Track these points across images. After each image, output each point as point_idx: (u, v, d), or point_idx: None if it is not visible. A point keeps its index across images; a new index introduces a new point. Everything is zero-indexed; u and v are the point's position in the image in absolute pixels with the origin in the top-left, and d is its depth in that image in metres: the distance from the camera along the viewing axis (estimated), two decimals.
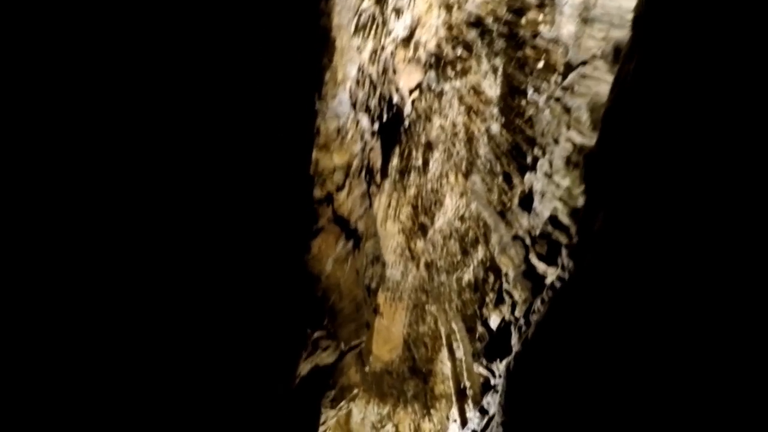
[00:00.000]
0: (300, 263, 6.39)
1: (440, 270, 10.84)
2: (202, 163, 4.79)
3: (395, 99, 7.42)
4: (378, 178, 8.14)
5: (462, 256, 10.49)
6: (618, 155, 4.20)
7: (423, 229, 10.44)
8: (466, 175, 9.64)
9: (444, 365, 11.88)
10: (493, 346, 8.43)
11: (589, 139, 5.49)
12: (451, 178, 9.78)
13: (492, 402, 7.73)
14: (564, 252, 5.91)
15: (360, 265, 7.28)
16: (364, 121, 6.74)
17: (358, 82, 6.97)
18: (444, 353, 11.64)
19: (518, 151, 8.85)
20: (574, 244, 5.81)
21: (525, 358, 5.94)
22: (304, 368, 7.07)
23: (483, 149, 9.41)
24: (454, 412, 9.73)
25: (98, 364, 3.28)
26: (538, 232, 7.26)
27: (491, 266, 9.99)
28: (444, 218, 10.25)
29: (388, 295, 11.09)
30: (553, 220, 6.92)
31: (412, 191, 10.09)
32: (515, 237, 7.60)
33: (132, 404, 3.78)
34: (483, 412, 7.94)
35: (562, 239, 6.79)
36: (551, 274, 6.85)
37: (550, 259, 6.99)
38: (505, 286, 8.02)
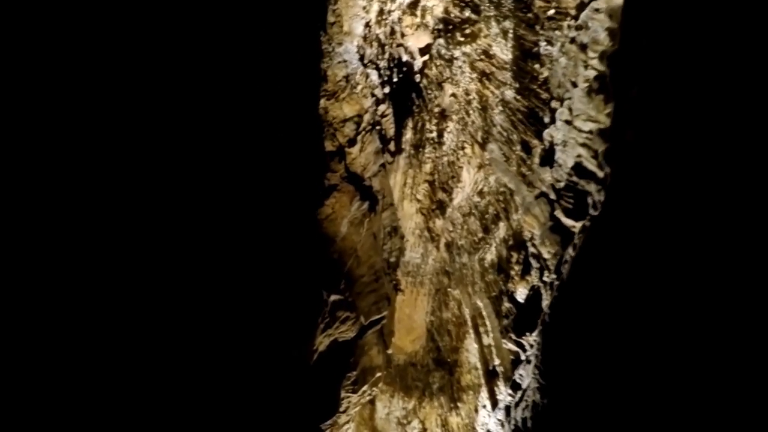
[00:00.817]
0: (313, 220, 6.06)
1: (461, 251, 10.40)
2: (207, 109, 4.52)
3: (405, 58, 7.15)
4: (392, 146, 7.81)
5: (483, 234, 10.05)
6: (641, 51, 3.84)
7: (441, 207, 10.05)
8: (483, 146, 9.28)
9: (470, 354, 11.33)
10: (521, 319, 7.94)
11: (611, 46, 5.10)
12: (468, 149, 9.42)
13: (525, 374, 7.21)
14: (594, 189, 5.48)
15: (377, 229, 6.92)
16: (374, 76, 6.47)
17: (365, 38, 6.73)
18: (470, 339, 11.11)
19: (535, 117, 8.49)
20: (603, 179, 5.38)
21: (559, 309, 5.48)
22: (323, 343, 6.67)
23: (498, 117, 9.06)
24: (483, 397, 9.18)
25: (116, 341, 3.15)
26: (562, 184, 6.84)
27: (514, 244, 9.53)
28: (462, 194, 9.86)
29: (409, 280, 10.64)
30: (578, 167, 6.51)
31: (427, 167, 9.74)
32: (539, 195, 7.18)
33: (139, 384, 3.51)
34: (515, 387, 7.42)
35: (589, 187, 6.36)
36: (579, 226, 6.40)
37: (577, 213, 6.55)
38: (531, 250, 7.57)
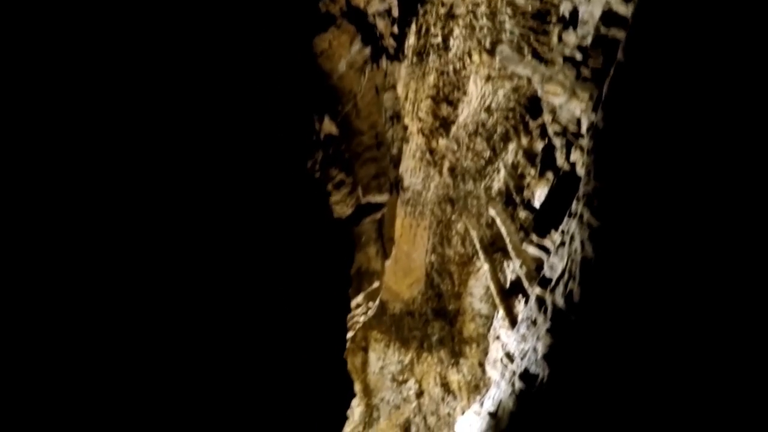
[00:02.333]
0: (307, 51, 5.21)
1: (466, 176, 9.56)
2: None
3: None
4: (391, 42, 7.01)
5: (491, 155, 9.24)
6: None
7: (445, 125, 9.25)
8: (491, 52, 8.56)
9: (474, 298, 10.34)
10: (543, 219, 7.06)
11: None
12: (475, 56, 8.69)
13: (557, 260, 6.27)
14: (624, 36, 4.74)
15: (380, 84, 6.06)
16: None
17: None
18: (474, 279, 10.14)
19: (544, 18, 7.85)
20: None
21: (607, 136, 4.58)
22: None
23: (509, 23, 8.38)
24: (497, 324, 8.16)
25: (129, 321, 2.92)
26: (589, 40, 6.10)
27: (526, 157, 8.73)
28: (468, 110, 9.08)
29: (409, 210, 9.73)
30: (606, 15, 5.79)
31: (431, 78, 8.99)
32: (563, 61, 6.43)
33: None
34: (545, 281, 6.45)
35: (620, 35, 5.62)
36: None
37: (605, 71, 5.78)
38: (553, 129, 6.75)
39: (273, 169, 4.68)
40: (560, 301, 5.43)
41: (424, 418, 11.31)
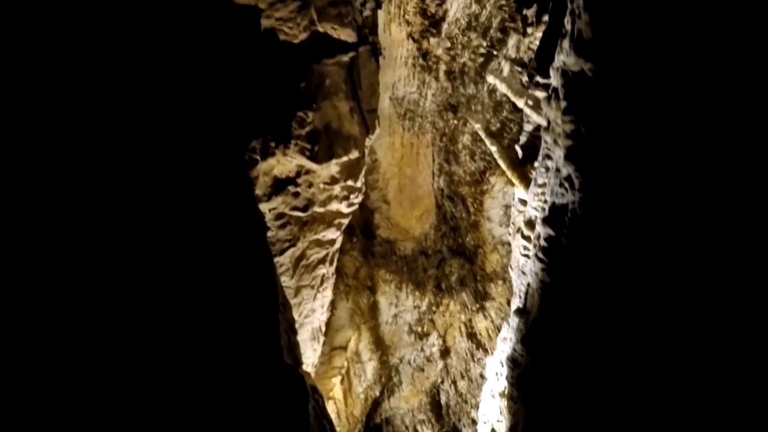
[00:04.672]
0: None
1: (466, 79, 8.65)
2: None
3: None
4: None
5: (488, 49, 8.36)
6: None
7: (435, 24, 8.53)
8: None
9: (493, 223, 9.03)
10: (544, 57, 6.02)
11: None
12: None
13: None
14: None
15: None
16: None
17: None
18: (489, 198, 8.90)
19: None
20: None
21: None
22: None
23: None
24: (515, 193, 6.90)
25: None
26: None
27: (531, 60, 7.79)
28: (457, 3, 8.36)
29: (407, 125, 8.82)
30: None
31: None
32: None
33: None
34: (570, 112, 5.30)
35: None
36: None
37: None
38: None
39: None
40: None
41: (454, 382, 9.62)
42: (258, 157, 5.55)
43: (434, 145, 9.04)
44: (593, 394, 4.06)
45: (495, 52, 8.40)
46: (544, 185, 5.89)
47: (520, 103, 6.45)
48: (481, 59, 8.53)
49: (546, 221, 4.82)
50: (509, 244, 8.94)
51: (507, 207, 8.86)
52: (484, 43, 8.41)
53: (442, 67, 8.71)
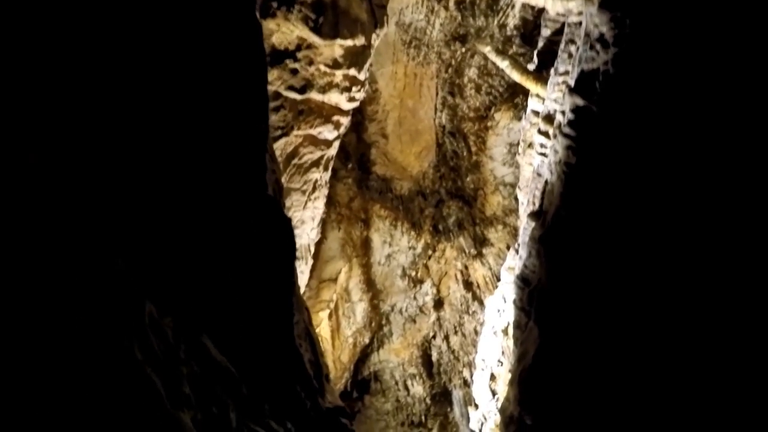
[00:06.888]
0: None
1: (476, 10, 8.25)
2: None
3: None
4: None
5: None
6: None
7: None
8: None
9: (495, 162, 8.56)
10: None
11: None
12: None
13: None
14: None
15: None
16: None
17: None
18: (493, 139, 8.44)
19: None
20: None
21: None
22: None
23: None
24: (528, 105, 6.41)
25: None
26: None
27: None
28: None
29: (411, 53, 8.36)
30: None
31: None
32: None
33: None
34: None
35: None
36: None
37: None
38: None
39: None
40: None
41: (446, 337, 8.97)
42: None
43: (439, 76, 8.59)
44: (614, 306, 3.47)
45: None
46: (566, 73, 5.47)
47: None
48: None
49: (574, 90, 4.34)
50: (512, 186, 8.46)
51: (511, 145, 8.41)
52: None
53: None
